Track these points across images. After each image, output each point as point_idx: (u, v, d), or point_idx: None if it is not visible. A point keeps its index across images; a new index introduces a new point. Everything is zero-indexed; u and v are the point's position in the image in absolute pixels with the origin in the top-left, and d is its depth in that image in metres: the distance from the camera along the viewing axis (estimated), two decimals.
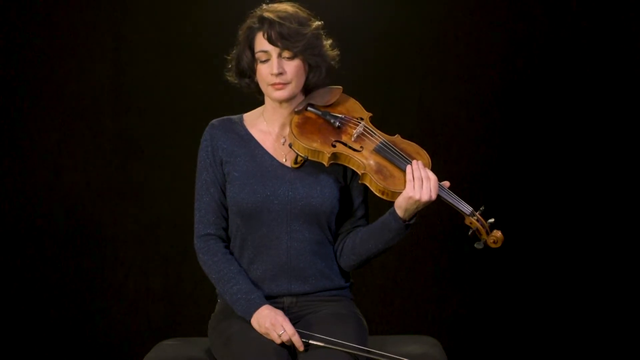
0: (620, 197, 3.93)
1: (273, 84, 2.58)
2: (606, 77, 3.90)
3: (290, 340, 2.51)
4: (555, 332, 3.98)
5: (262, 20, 2.57)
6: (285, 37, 2.55)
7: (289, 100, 2.62)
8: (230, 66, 2.68)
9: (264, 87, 2.61)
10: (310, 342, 2.50)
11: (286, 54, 2.57)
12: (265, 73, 2.58)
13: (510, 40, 3.91)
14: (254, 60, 2.60)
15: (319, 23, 2.63)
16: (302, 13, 2.62)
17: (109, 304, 3.96)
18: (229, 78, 2.69)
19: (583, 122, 3.93)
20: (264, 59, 2.58)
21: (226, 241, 2.69)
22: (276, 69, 2.56)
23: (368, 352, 2.51)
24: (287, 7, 2.61)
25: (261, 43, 2.58)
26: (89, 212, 3.93)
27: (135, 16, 3.89)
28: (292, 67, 2.58)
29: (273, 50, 2.57)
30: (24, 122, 3.91)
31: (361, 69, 3.87)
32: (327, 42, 2.65)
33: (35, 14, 3.87)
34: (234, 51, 2.66)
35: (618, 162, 3.92)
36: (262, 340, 2.53)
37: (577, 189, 3.94)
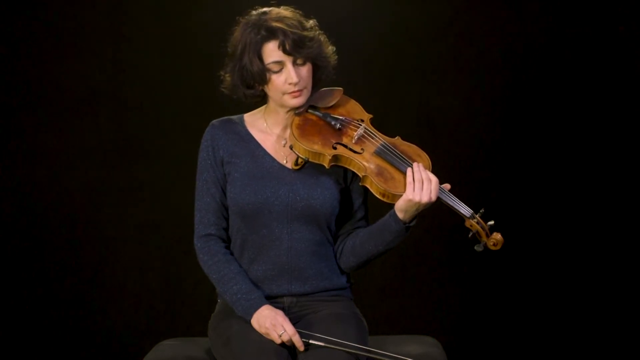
0: (619, 198, 3.93)
1: (291, 92, 2.57)
2: (607, 78, 3.90)
3: (290, 340, 2.51)
4: (555, 332, 3.98)
5: (272, 30, 2.54)
6: (299, 45, 2.54)
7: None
8: (225, 79, 2.64)
9: (278, 96, 2.59)
10: (311, 341, 2.50)
11: (299, 60, 2.57)
12: (280, 82, 2.56)
13: (511, 40, 3.91)
14: (264, 70, 2.57)
15: (314, 21, 2.62)
16: (299, 15, 2.60)
17: (109, 304, 3.96)
18: (225, 91, 2.65)
19: (583, 124, 3.92)
20: (277, 69, 2.56)
21: (227, 241, 2.69)
22: (296, 78, 2.55)
23: (368, 351, 2.51)
24: (286, 13, 2.58)
25: (274, 53, 2.55)
26: (89, 212, 3.93)
27: (135, 16, 3.89)
28: (306, 71, 2.58)
29: (288, 60, 2.55)
30: (24, 122, 3.91)
31: (361, 69, 3.87)
32: (325, 39, 2.65)
33: (35, 14, 3.87)
34: (231, 65, 2.61)
35: (618, 164, 3.92)
36: (262, 340, 2.53)
37: (577, 191, 3.94)
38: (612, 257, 3.94)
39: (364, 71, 3.88)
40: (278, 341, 2.51)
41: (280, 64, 2.56)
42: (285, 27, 2.53)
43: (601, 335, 3.96)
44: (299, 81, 2.56)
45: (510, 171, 3.96)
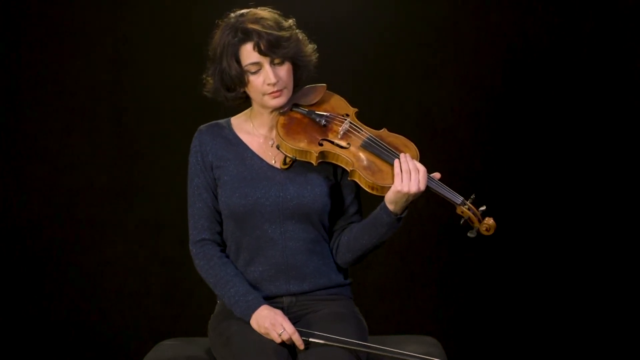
0: (611, 188, 3.92)
1: (271, 93, 2.58)
2: (603, 76, 3.90)
3: (290, 339, 2.52)
4: (555, 332, 3.98)
5: (247, 32, 2.55)
6: (275, 45, 2.54)
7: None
8: (207, 83, 2.65)
9: (258, 97, 2.60)
10: (311, 340, 2.51)
11: (277, 60, 2.57)
12: (259, 83, 2.57)
13: (509, 40, 3.91)
14: (243, 73, 2.58)
15: (293, 21, 2.63)
16: (277, 15, 2.61)
17: (109, 304, 3.96)
18: (207, 95, 2.66)
19: (574, 118, 3.92)
20: (254, 70, 2.57)
21: (221, 245, 2.70)
22: (274, 78, 2.56)
23: (368, 347, 2.50)
24: (263, 14, 2.59)
25: (251, 55, 2.56)
26: (89, 212, 3.93)
27: (135, 16, 3.89)
28: (285, 71, 2.58)
29: (265, 61, 2.56)
30: (24, 122, 3.91)
31: (361, 68, 3.87)
32: (304, 38, 2.65)
33: (35, 14, 3.88)
34: (212, 68, 2.62)
35: (606, 153, 3.91)
36: (262, 340, 2.53)
37: (569, 180, 3.93)
38: (612, 254, 3.94)
39: (364, 71, 3.88)
40: (278, 340, 2.51)
41: (258, 65, 2.56)
42: (260, 29, 2.54)
43: (601, 334, 3.96)
44: (278, 81, 2.56)
45: (504, 159, 3.95)
